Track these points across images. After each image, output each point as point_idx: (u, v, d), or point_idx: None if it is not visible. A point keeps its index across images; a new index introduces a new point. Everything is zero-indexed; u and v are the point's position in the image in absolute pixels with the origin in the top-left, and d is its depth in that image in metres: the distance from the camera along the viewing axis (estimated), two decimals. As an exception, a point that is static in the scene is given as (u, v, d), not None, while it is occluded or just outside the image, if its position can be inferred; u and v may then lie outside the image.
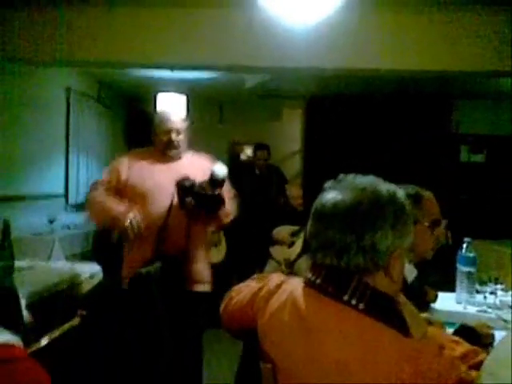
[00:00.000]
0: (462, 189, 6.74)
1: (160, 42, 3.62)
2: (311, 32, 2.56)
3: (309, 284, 1.07)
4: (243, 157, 7.60)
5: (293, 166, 7.57)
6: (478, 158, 6.93)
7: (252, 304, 1.22)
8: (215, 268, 4.01)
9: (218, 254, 4.15)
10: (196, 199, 2.31)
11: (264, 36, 3.13)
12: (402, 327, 0.97)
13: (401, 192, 1.10)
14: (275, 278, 1.27)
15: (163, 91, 5.77)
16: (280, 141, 7.53)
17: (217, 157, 7.26)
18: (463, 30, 3.52)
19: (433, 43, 3.54)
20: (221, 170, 2.45)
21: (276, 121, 7.55)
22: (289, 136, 7.63)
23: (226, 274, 4.19)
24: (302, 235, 4.04)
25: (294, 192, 4.31)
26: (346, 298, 0.99)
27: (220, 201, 2.35)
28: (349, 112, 6.82)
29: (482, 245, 4.75)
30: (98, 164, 6.30)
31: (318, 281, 1.04)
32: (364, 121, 6.79)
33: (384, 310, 0.98)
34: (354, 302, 0.98)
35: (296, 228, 4.10)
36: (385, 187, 1.08)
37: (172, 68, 4.34)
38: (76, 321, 1.61)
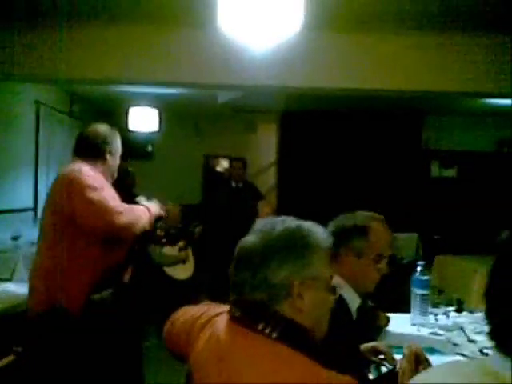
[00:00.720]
0: (433, 203, 6.85)
1: (124, 59, 3.65)
2: (272, 52, 2.61)
3: (231, 317, 1.13)
4: (219, 169, 7.63)
5: (268, 179, 7.63)
6: (450, 172, 7.07)
7: (190, 330, 1.24)
8: (183, 285, 4.03)
9: (186, 271, 4.16)
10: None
11: (224, 55, 3.20)
12: (316, 356, 1.00)
13: (305, 226, 1.15)
14: (217, 308, 1.29)
15: (136, 105, 5.78)
16: (255, 154, 7.60)
17: (193, 169, 7.37)
18: (435, 51, 3.62)
19: (398, 63, 3.64)
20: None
21: (251, 134, 7.62)
22: (264, 149, 7.69)
23: (194, 292, 4.21)
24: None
25: (266, 210, 4.35)
26: (260, 327, 1.04)
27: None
28: (322, 126, 6.92)
29: (451, 260, 4.85)
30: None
31: (237, 314, 1.11)
32: (336, 135, 6.89)
33: (296, 339, 1.02)
34: (267, 331, 1.04)
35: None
36: (286, 225, 1.13)
37: (139, 85, 4.34)
38: (10, 358, 1.59)
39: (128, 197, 6.11)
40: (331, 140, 6.90)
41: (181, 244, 4.22)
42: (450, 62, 3.64)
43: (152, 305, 3.83)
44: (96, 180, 2.24)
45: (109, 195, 2.19)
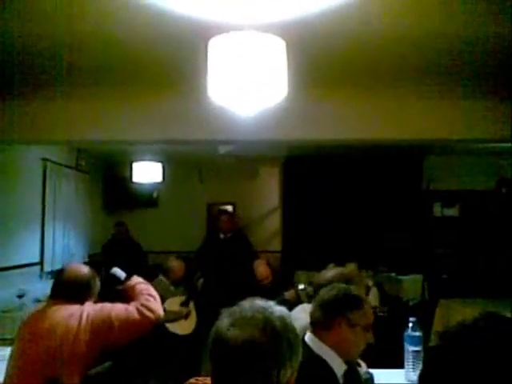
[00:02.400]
0: (437, 243, 6.85)
1: (127, 121, 3.82)
2: (262, 111, 2.75)
3: None
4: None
5: (272, 224, 7.70)
6: (452, 211, 7.09)
7: None
8: (185, 340, 4.04)
9: (188, 326, 4.16)
10: None
11: (217, 114, 3.33)
12: None
13: (285, 312, 1.19)
14: None
15: (140, 159, 5.93)
16: (258, 199, 7.71)
17: (196, 217, 7.42)
18: (426, 101, 3.77)
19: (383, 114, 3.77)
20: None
21: (253, 179, 7.73)
22: (266, 194, 7.80)
23: (197, 346, 4.20)
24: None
25: (262, 272, 4.34)
26: None
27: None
28: (324, 171, 7.02)
29: (455, 305, 4.81)
30: (74, 229, 6.37)
31: None
32: (338, 179, 6.99)
33: None
34: None
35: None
36: (275, 316, 1.17)
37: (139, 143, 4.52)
38: None
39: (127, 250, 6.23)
40: (333, 183, 7.00)
41: (183, 298, 4.25)
42: (446, 111, 3.77)
43: (153, 361, 3.84)
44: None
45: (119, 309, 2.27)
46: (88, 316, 2.17)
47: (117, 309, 2.24)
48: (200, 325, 4.22)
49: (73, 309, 2.20)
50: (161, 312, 2.33)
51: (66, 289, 2.28)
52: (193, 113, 3.74)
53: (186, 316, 4.21)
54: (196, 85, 2.87)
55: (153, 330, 2.30)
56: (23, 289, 4.33)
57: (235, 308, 1.22)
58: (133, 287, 2.49)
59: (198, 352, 4.13)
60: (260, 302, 1.24)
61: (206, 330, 3.85)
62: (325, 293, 1.90)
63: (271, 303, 1.23)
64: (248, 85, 2.26)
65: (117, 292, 2.53)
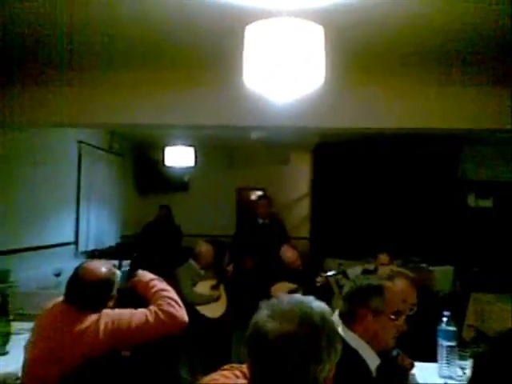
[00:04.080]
0: (470, 234, 6.70)
1: (160, 103, 3.83)
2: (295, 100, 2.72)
3: None
4: (249, 203, 7.75)
5: (301, 210, 7.68)
6: (486, 203, 6.92)
7: None
8: (215, 323, 4.08)
9: (218, 309, 4.20)
10: None
11: (251, 100, 3.30)
12: None
13: (325, 308, 1.18)
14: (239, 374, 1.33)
15: (172, 143, 5.97)
16: (288, 185, 7.69)
17: (226, 201, 7.48)
18: (462, 88, 3.64)
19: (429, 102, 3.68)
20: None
21: (284, 166, 7.72)
22: (297, 180, 7.77)
23: (227, 329, 4.25)
24: (300, 293, 4.10)
25: (289, 256, 4.36)
26: None
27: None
28: (356, 157, 6.92)
29: (488, 298, 4.70)
30: (108, 211, 6.48)
31: None
32: (371, 166, 6.88)
33: None
34: None
35: (293, 286, 4.15)
36: (314, 311, 1.15)
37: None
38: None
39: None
40: (365, 171, 6.90)
41: (213, 282, 4.30)
42: (487, 100, 3.63)
43: (183, 343, 3.89)
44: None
45: (137, 316, 2.05)
46: (106, 328, 1.96)
47: (137, 319, 2.01)
48: (230, 308, 4.23)
49: (88, 321, 1.96)
50: (185, 318, 2.09)
51: (80, 297, 2.02)
52: (226, 98, 3.72)
53: (217, 299, 4.24)
54: (231, 70, 2.85)
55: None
56: (59, 267, 4.44)
57: (274, 301, 1.22)
58: (146, 285, 2.22)
59: (228, 335, 4.18)
60: (299, 296, 1.23)
61: (236, 313, 3.89)
62: (349, 284, 1.90)
63: (311, 298, 1.22)
64: (284, 71, 2.23)
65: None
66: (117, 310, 2.05)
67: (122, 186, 7.04)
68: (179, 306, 2.11)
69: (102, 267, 2.11)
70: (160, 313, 2.05)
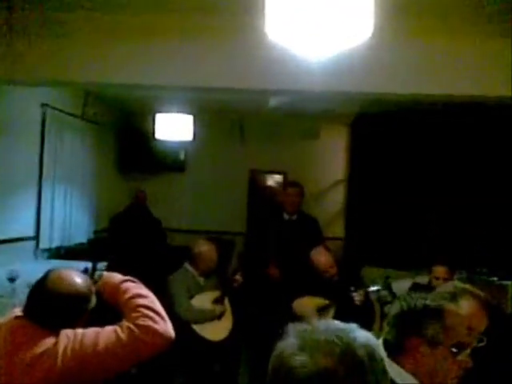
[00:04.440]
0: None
1: (149, 56, 3.83)
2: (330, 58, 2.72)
3: None
4: (268, 189, 7.76)
5: (333, 202, 7.70)
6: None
7: None
8: (219, 347, 4.12)
9: (222, 330, 4.23)
10: None
11: (272, 55, 3.33)
12: None
13: (372, 340, 1.18)
14: None
15: (165, 111, 5.97)
16: (317, 168, 7.71)
17: (235, 188, 7.52)
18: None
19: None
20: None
21: (311, 142, 7.72)
22: (329, 162, 7.80)
23: (233, 354, 4.29)
24: (331, 312, 4.12)
25: (323, 261, 4.34)
26: None
27: None
28: (406, 134, 6.89)
29: None
30: (80, 196, 6.52)
31: None
32: (425, 146, 6.86)
33: None
34: None
35: (323, 302, 4.15)
36: (359, 343, 1.15)
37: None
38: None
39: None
40: (418, 151, 6.90)
41: (216, 294, 4.32)
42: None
43: (177, 372, 3.94)
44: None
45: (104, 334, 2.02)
46: (65, 354, 1.93)
47: (104, 338, 1.99)
48: (237, 329, 4.26)
49: (44, 345, 1.94)
50: (170, 333, 2.06)
51: (46, 315, 2.00)
52: (240, 52, 3.71)
53: (220, 316, 4.27)
54: (248, 15, 2.84)
55: (176, 334, 2.18)
56: (14, 270, 4.48)
57: (305, 327, 1.22)
58: (116, 290, 2.19)
59: (235, 362, 4.23)
60: (339, 323, 1.23)
61: (246, 336, 3.92)
62: (398, 303, 1.89)
63: (354, 325, 1.22)
64: (320, 19, 2.21)
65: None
66: (79, 330, 2.02)
67: (99, 165, 7.07)
68: (161, 317, 2.08)
69: (78, 278, 2.10)
70: (135, 328, 2.00)
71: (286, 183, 5.94)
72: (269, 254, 5.12)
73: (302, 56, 2.63)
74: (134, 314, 2.06)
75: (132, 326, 2.01)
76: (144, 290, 2.19)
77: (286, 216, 5.36)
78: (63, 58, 3.84)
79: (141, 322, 2.03)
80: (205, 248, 4.41)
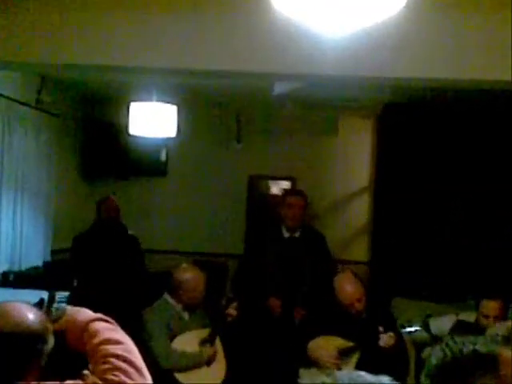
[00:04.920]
0: None
1: (121, 31, 3.88)
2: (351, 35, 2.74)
3: None
4: (272, 200, 7.74)
5: (356, 215, 7.71)
6: None
7: None
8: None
9: (213, 378, 4.22)
10: None
11: (280, 32, 3.39)
12: None
13: None
14: None
15: (141, 98, 5.97)
16: (334, 172, 7.71)
17: (231, 196, 7.51)
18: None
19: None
20: None
21: (328, 140, 7.71)
22: (350, 164, 7.79)
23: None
24: (355, 357, 4.09)
25: (350, 292, 4.28)
26: None
27: None
28: (449, 128, 6.90)
29: None
30: (33, 207, 6.51)
31: None
32: (473, 143, 6.88)
33: None
34: None
35: (346, 344, 4.13)
36: None
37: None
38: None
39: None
40: (465, 150, 6.91)
41: (204, 333, 4.29)
42: None
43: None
44: None
45: None
46: None
47: None
48: (233, 376, 4.26)
49: None
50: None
51: None
52: (239, 28, 3.74)
53: (210, 361, 4.27)
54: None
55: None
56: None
57: (323, 379, 1.22)
58: (83, 332, 2.17)
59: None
60: (365, 376, 1.23)
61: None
62: (435, 352, 1.89)
63: (384, 379, 1.23)
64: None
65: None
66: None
67: (58, 167, 7.07)
68: (137, 370, 2.04)
69: (29, 313, 2.04)
70: None
71: (285, 191, 5.91)
72: (267, 282, 5.14)
73: (316, 33, 2.64)
74: (104, 366, 2.01)
75: (100, 381, 1.97)
76: (119, 334, 2.15)
77: (285, 233, 5.38)
78: (13, 35, 3.86)
79: (110, 376, 1.98)
80: (190, 274, 4.41)
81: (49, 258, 6.84)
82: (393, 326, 4.25)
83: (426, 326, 4.57)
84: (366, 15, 2.37)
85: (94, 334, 2.12)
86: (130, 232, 6.57)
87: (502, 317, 4.02)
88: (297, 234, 5.39)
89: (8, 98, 5.98)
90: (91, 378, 1.99)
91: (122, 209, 6.72)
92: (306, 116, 7.49)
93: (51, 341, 2.07)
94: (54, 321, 2.17)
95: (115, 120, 7.27)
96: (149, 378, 2.06)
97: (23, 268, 6.28)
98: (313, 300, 4.82)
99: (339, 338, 4.18)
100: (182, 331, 4.28)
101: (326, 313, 4.33)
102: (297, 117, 7.47)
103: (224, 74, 4.19)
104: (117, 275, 5.85)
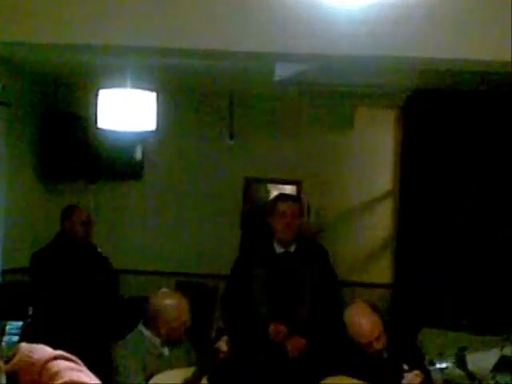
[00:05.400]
0: None
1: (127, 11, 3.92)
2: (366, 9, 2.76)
3: None
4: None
5: (376, 227, 7.73)
6: None
7: None
8: None
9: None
10: None
11: (287, 9, 3.45)
12: None
13: None
14: None
15: (113, 84, 5.97)
16: (350, 174, 7.75)
17: (223, 203, 7.52)
18: None
19: None
20: None
21: (341, 134, 7.73)
22: (368, 164, 7.82)
23: None
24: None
25: (366, 329, 4.27)
26: None
27: None
28: (486, 115, 6.93)
29: None
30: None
31: None
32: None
33: None
34: None
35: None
36: None
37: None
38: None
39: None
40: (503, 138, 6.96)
41: (188, 372, 4.19)
42: None
43: None
44: None
45: None
46: None
47: None
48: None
49: None
50: None
51: None
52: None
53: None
54: None
55: None
56: None
57: None
58: (40, 372, 2.05)
59: None
60: None
61: None
62: None
63: None
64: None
65: None
66: None
67: (10, 168, 7.08)
68: None
69: None
70: None
71: (276, 197, 5.87)
72: (257, 310, 5.15)
73: (327, 4, 2.65)
74: None
75: None
76: (84, 375, 2.09)
77: (278, 248, 5.38)
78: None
79: None
80: (170, 301, 4.42)
81: (-1, 279, 6.84)
82: (420, 362, 4.27)
83: (461, 362, 4.59)
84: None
85: (54, 375, 2.11)
86: (99, 249, 6.57)
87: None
88: (292, 249, 5.38)
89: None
90: None
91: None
92: (315, 106, 7.50)
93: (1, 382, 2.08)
94: (6, 360, 2.18)
95: (81, 111, 7.28)
96: None
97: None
98: (314, 329, 4.84)
99: (353, 380, 4.19)
100: (160, 369, 4.28)
101: (336, 349, 4.33)
102: (303, 107, 7.50)
103: (214, 54, 4.23)
104: (84, 301, 5.84)
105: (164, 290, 4.55)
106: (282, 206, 5.38)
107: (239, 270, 5.56)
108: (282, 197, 5.72)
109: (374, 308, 4.38)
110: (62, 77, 7.36)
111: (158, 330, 4.37)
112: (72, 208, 6.36)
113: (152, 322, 4.39)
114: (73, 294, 5.90)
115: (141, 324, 4.43)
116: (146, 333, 4.39)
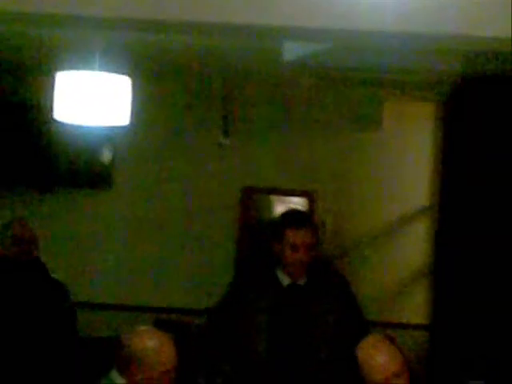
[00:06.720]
0: None
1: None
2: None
3: None
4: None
5: (408, 253, 7.74)
6: None
7: None
8: None
9: None
10: None
11: None
12: None
13: None
14: None
15: (75, 65, 6.03)
16: (376, 185, 7.77)
17: (216, 219, 7.58)
18: None
19: None
20: None
21: (365, 135, 7.79)
22: (399, 172, 7.89)
23: None
24: None
25: (382, 364, 4.30)
26: None
27: None
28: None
29: None
30: None
31: None
32: None
33: None
34: None
35: None
36: None
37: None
38: None
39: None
40: None
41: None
42: None
43: None
44: None
45: None
46: None
47: None
48: None
49: None
50: None
51: None
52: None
53: None
54: None
55: None
56: None
57: None
58: None
59: None
60: None
61: None
62: None
63: None
64: None
65: None
66: None
67: None
68: None
69: None
70: None
71: (283, 218, 5.66)
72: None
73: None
74: None
75: None
76: None
77: (284, 279, 5.36)
78: None
79: None
80: (149, 343, 4.47)
81: None
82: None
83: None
84: None
85: None
86: (53, 275, 6.60)
87: None
88: (302, 281, 5.37)
89: None
90: None
91: (43, 238, 6.76)
92: (331, 98, 7.56)
93: None
94: None
95: (33, 99, 7.35)
96: None
97: None
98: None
99: None
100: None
101: None
102: (317, 98, 7.56)
103: (205, 28, 4.27)
104: (33, 342, 5.88)
105: (142, 328, 4.61)
106: (293, 237, 5.18)
107: (232, 307, 5.56)
108: (292, 220, 5.51)
109: (392, 341, 4.41)
110: (9, 57, 7.37)
111: (134, 379, 4.42)
112: (13, 220, 6.42)
113: (127, 368, 4.43)
114: (17, 329, 5.93)
115: (114, 371, 4.46)
116: (120, 381, 4.43)
